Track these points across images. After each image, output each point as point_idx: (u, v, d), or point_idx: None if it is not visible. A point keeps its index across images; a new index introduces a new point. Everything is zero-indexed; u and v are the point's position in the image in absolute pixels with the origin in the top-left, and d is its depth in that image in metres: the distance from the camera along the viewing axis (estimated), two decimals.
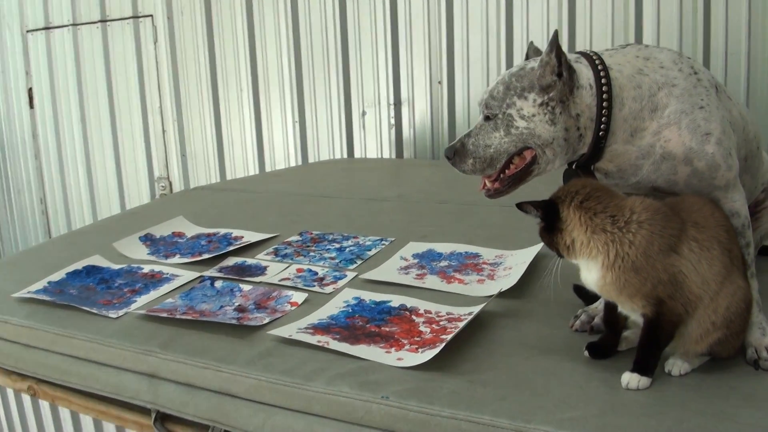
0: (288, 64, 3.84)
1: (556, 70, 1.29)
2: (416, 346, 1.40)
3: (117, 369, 1.53)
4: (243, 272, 1.88)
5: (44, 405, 1.92)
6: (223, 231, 2.25)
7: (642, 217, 1.20)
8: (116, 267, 1.96)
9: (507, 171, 1.37)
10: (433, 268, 1.82)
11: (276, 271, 1.87)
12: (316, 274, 1.84)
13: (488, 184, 1.39)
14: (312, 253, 1.99)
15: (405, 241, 2.04)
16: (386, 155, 3.70)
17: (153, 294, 1.75)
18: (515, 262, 1.79)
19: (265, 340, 1.47)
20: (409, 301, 1.62)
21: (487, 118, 1.36)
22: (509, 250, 1.89)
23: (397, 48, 3.56)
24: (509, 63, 3.32)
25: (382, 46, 3.60)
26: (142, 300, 1.72)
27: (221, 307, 1.65)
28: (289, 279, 1.81)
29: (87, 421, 1.83)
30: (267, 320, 1.56)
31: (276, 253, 2.01)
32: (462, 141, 1.38)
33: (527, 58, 1.43)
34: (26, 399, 1.96)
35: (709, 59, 2.96)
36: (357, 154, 3.75)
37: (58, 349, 1.60)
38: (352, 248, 2.02)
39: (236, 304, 1.67)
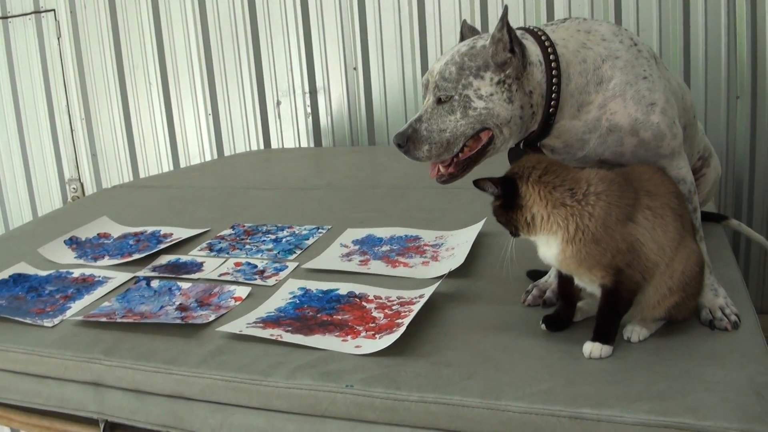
0: (197, 55, 3.73)
1: (509, 47, 1.27)
2: (373, 332, 1.38)
3: (59, 380, 1.44)
4: (179, 270, 1.81)
5: None
6: (150, 229, 2.16)
7: (599, 189, 1.22)
8: (44, 273, 1.85)
9: (461, 154, 1.34)
10: (375, 254, 1.80)
11: (213, 266, 1.82)
12: (256, 267, 1.79)
13: (441, 170, 1.36)
14: (248, 246, 1.94)
15: (342, 227, 2.01)
16: (304, 145, 3.65)
17: (87, 299, 1.67)
18: (456, 242, 1.79)
19: (214, 338, 1.42)
20: (358, 288, 1.59)
21: (439, 101, 1.32)
22: (448, 231, 1.89)
23: (309, 35, 3.50)
24: (423, 47, 3.32)
25: (294, 33, 3.54)
26: (77, 306, 1.63)
27: (162, 307, 1.59)
28: (228, 274, 1.76)
29: None
30: (213, 317, 1.51)
31: (210, 248, 1.95)
32: (413, 126, 1.33)
33: (462, 37, 1.41)
34: None
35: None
36: (274, 145, 3.69)
37: None
38: (288, 238, 1.98)
39: (177, 303, 1.61)
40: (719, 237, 1.72)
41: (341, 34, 3.46)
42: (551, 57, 1.31)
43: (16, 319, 1.57)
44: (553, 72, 1.30)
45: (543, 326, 1.34)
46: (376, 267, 1.72)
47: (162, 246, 1.98)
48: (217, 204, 2.46)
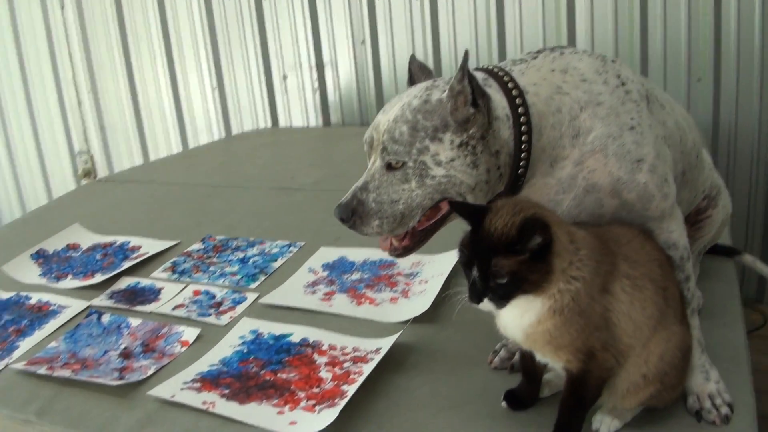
0: (201, 26, 3.56)
1: (471, 99, 1.05)
2: (314, 402, 1.23)
3: None
4: (135, 297, 1.69)
5: None
6: (120, 240, 2.04)
7: (584, 250, 1.01)
8: (6, 296, 1.78)
9: (417, 224, 1.12)
10: (343, 284, 1.65)
11: (170, 294, 1.69)
12: (214, 297, 1.65)
13: (395, 243, 1.15)
14: (212, 268, 1.80)
15: (316, 245, 1.86)
16: (312, 121, 3.48)
17: (37, 335, 1.58)
18: (432, 274, 1.62)
19: (147, 401, 1.30)
20: (312, 334, 1.45)
21: (389, 166, 1.09)
22: (428, 255, 1.71)
23: (315, 7, 3.30)
24: (434, 19, 3.09)
25: (299, 4, 3.34)
26: (25, 345, 1.54)
27: (105, 352, 1.47)
28: (183, 306, 1.62)
29: None
30: (152, 370, 1.38)
31: (173, 269, 1.82)
32: (357, 197, 1.11)
33: (411, 79, 1.19)
34: None
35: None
36: (282, 121, 3.53)
37: None
38: (256, 259, 1.83)
39: (122, 346, 1.49)
40: (727, 280, 1.51)
41: (348, 7, 3.25)
42: (520, 110, 1.08)
43: None
44: (522, 128, 1.08)
45: (504, 404, 1.17)
46: (340, 303, 1.57)
47: (126, 264, 1.86)
48: (197, 206, 2.34)
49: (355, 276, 1.68)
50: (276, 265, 1.79)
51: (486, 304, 1.00)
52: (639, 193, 1.10)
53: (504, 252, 0.96)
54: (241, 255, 1.87)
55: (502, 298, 0.98)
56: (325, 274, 1.71)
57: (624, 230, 1.10)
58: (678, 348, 1.06)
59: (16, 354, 1.52)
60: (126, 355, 1.46)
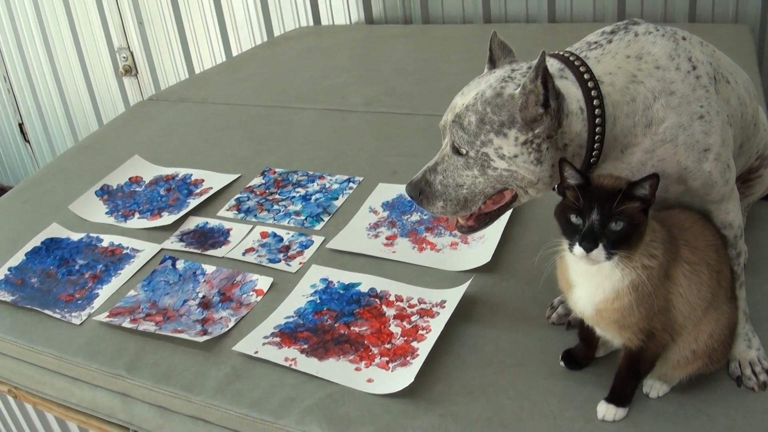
0: None
1: (542, 100, 1.05)
2: (387, 359, 1.35)
3: (90, 385, 1.48)
4: (205, 239, 1.79)
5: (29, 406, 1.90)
6: (182, 172, 2.12)
7: (658, 233, 1.07)
8: (76, 237, 1.87)
9: (483, 206, 1.18)
10: (404, 227, 1.73)
11: (239, 236, 1.78)
12: (281, 240, 1.75)
13: (461, 221, 1.22)
14: (276, 206, 1.89)
15: (374, 180, 1.93)
16: (354, 17, 3.44)
17: (114, 282, 1.68)
18: None
19: (231, 357, 1.41)
20: (379, 284, 1.54)
21: (456, 151, 1.14)
22: None
23: None
24: None
25: None
26: (104, 293, 1.65)
27: (184, 302, 1.58)
28: (253, 250, 1.72)
29: (74, 427, 1.82)
30: (232, 322, 1.50)
31: (239, 207, 1.91)
32: (426, 178, 1.17)
33: (491, 57, 1.20)
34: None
35: None
36: (324, 20, 3.49)
37: (28, 359, 1.55)
38: (318, 196, 1.91)
39: (200, 295, 1.60)
40: None
41: None
42: (595, 102, 1.09)
43: (47, 312, 1.60)
44: (597, 120, 1.10)
45: (562, 363, 1.27)
46: (402, 249, 1.65)
47: (192, 203, 1.95)
48: (252, 131, 2.39)
49: (415, 218, 1.76)
50: (338, 203, 1.87)
51: (598, 253, 1.02)
52: (703, 181, 1.14)
53: (614, 193, 1.03)
54: (302, 191, 1.94)
55: (613, 247, 1.02)
56: (386, 214, 1.79)
57: (685, 215, 1.16)
58: (726, 326, 1.14)
59: (97, 303, 1.62)
60: (205, 305, 1.57)
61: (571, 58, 1.13)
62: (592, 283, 1.09)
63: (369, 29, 3.36)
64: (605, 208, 1.02)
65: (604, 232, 1.02)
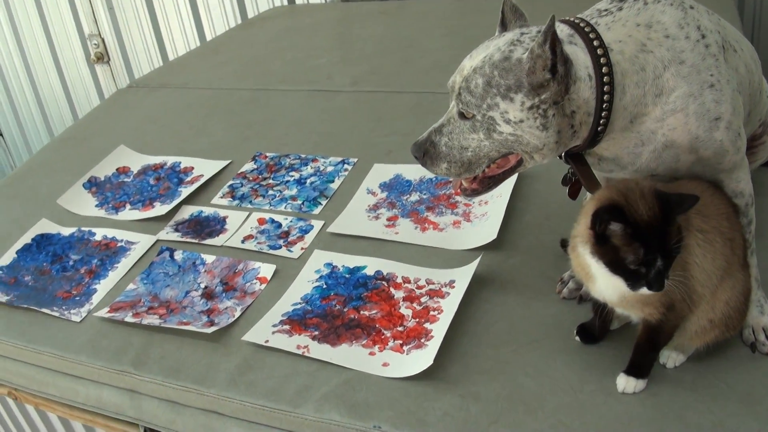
0: None
1: (549, 66, 1.05)
2: (400, 342, 1.34)
3: (96, 383, 1.46)
4: (201, 228, 1.76)
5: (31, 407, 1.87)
6: (170, 160, 2.09)
7: None
8: (67, 232, 1.83)
9: (487, 170, 1.19)
10: (404, 207, 1.72)
11: (236, 224, 1.76)
12: (280, 225, 1.73)
13: (464, 183, 1.24)
14: (271, 192, 1.86)
15: (369, 161, 1.91)
16: None
17: (112, 276, 1.65)
18: (491, 194, 1.67)
19: (241, 347, 1.40)
20: (385, 266, 1.53)
21: (462, 115, 1.15)
22: None
23: None
24: None
25: None
26: (102, 288, 1.62)
27: (187, 293, 1.56)
28: (252, 237, 1.70)
29: (78, 425, 1.79)
30: (238, 312, 1.48)
31: (233, 194, 1.88)
32: (431, 140, 1.18)
33: (502, 21, 1.19)
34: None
35: None
36: None
37: (28, 360, 1.52)
38: (313, 179, 1.89)
39: (202, 285, 1.58)
40: None
41: None
42: (604, 69, 1.09)
43: (44, 311, 1.56)
44: (605, 88, 1.09)
45: (577, 338, 1.28)
46: (405, 229, 1.64)
47: (182, 190, 1.92)
48: (238, 116, 2.35)
49: (414, 197, 1.74)
50: (334, 186, 1.85)
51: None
52: (715, 150, 1.14)
53: (665, 229, 1.03)
54: (296, 175, 1.92)
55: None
56: (384, 195, 1.77)
57: (695, 184, 1.16)
58: (741, 293, 1.15)
59: (96, 298, 1.58)
60: (208, 295, 1.55)
61: (581, 25, 1.12)
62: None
63: (345, 7, 3.32)
64: (665, 249, 1.02)
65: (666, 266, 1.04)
